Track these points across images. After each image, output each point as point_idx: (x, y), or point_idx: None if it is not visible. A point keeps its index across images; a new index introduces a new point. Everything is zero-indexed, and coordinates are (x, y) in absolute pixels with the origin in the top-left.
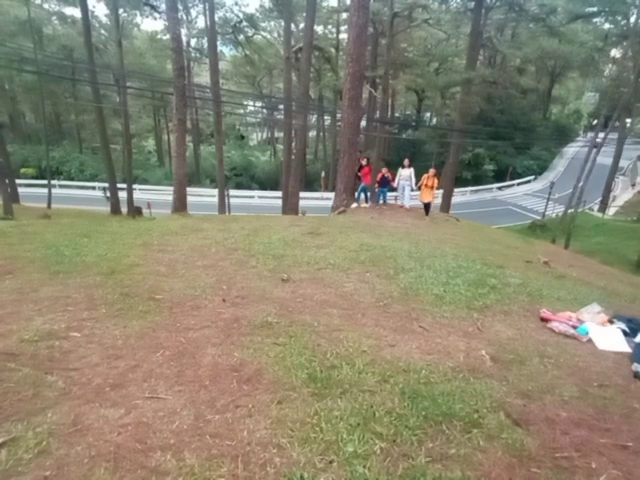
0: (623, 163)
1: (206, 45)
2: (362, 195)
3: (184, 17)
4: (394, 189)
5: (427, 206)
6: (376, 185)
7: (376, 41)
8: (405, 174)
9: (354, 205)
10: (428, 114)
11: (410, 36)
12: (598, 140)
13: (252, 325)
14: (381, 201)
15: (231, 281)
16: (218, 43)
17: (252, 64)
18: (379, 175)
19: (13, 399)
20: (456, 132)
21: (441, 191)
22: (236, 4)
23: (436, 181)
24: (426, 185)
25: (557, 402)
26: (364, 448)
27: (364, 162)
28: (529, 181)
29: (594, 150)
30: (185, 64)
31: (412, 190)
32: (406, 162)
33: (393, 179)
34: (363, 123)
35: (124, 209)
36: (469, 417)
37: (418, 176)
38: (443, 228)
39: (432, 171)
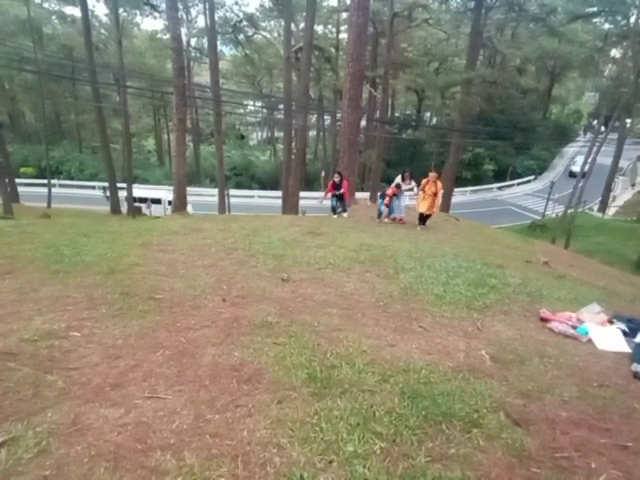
0: (623, 163)
1: (206, 45)
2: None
3: (184, 16)
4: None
5: (424, 216)
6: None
7: (376, 41)
8: (405, 188)
9: (334, 216)
10: (428, 114)
11: (410, 36)
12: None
13: (252, 325)
14: (384, 214)
15: (231, 281)
16: (218, 43)
17: (252, 64)
18: (391, 191)
19: (13, 399)
20: (456, 132)
21: (441, 191)
22: (236, 4)
23: (439, 185)
24: (424, 191)
25: (557, 402)
26: (364, 448)
27: (337, 179)
28: (529, 181)
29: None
30: (185, 64)
31: (413, 192)
32: (407, 174)
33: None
34: (363, 123)
35: (124, 208)
36: (469, 417)
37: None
38: (443, 228)
39: (433, 175)
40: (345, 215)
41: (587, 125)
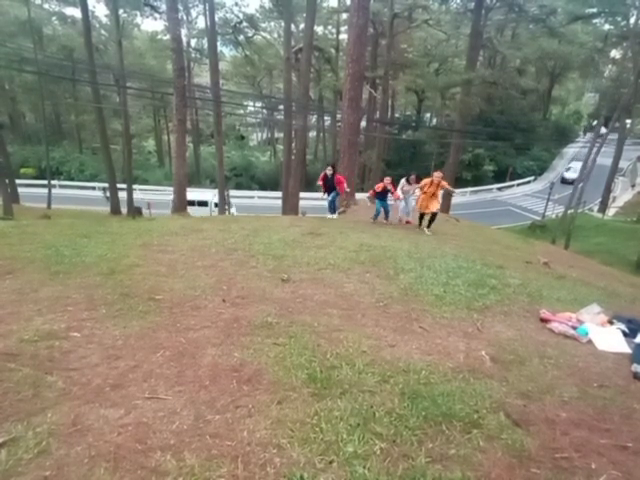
0: (623, 164)
1: (206, 45)
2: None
3: (184, 17)
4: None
5: (424, 217)
6: (372, 193)
7: (376, 42)
8: (409, 189)
9: (329, 216)
10: (428, 114)
11: (410, 37)
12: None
13: (252, 325)
14: (382, 215)
15: (231, 281)
16: (218, 43)
17: (252, 64)
18: (379, 186)
19: (13, 399)
20: (456, 132)
21: (441, 192)
22: (236, 4)
23: (444, 184)
24: (425, 193)
25: (557, 402)
26: (364, 448)
27: (329, 172)
28: (529, 182)
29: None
30: (185, 64)
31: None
32: (412, 178)
33: (394, 190)
34: (363, 124)
35: (124, 209)
36: (469, 417)
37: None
38: (443, 228)
39: (438, 174)
40: (336, 215)
41: (587, 126)
